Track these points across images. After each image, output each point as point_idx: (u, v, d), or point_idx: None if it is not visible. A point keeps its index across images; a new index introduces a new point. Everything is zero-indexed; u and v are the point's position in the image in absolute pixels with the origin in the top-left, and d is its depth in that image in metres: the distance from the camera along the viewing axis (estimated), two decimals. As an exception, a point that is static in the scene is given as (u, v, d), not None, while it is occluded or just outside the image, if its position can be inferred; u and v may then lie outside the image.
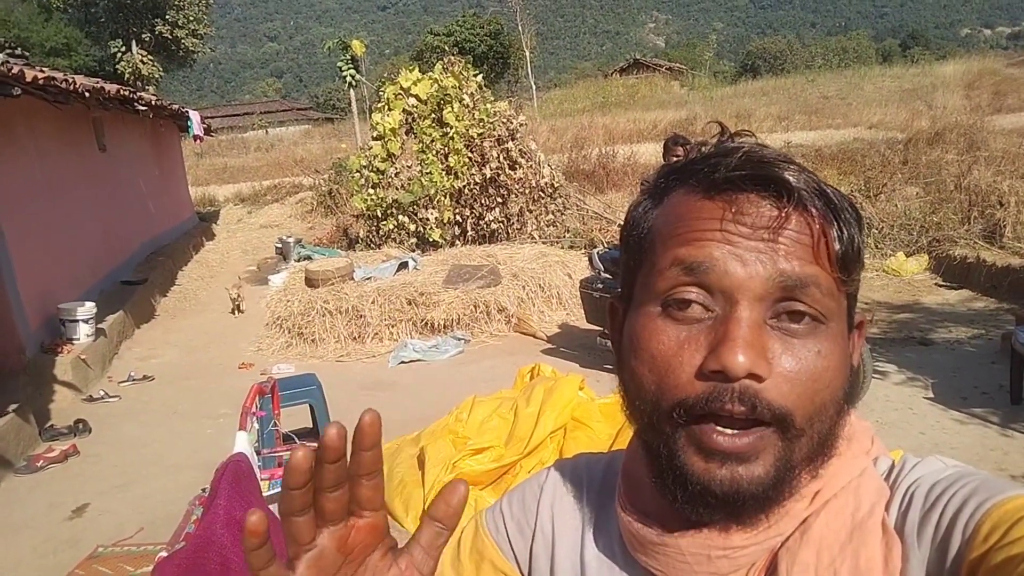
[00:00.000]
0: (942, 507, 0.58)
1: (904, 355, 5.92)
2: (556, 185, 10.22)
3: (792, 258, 0.58)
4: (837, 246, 0.59)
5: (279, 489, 2.37)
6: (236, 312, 8.99)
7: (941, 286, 7.97)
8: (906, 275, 8.26)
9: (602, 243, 8.53)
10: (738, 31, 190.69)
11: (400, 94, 9.78)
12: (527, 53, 31.18)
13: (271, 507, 2.29)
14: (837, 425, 0.62)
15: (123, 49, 33.14)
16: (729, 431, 0.57)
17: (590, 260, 6.19)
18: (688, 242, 0.60)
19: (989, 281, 7.52)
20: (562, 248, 9.35)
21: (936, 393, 5.14)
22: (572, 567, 0.74)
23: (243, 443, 2.22)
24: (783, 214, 0.59)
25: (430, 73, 9.94)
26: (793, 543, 0.61)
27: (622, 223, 0.71)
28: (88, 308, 7.04)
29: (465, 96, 9.73)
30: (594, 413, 4.17)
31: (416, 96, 9.71)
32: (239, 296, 9.14)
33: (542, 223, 10.01)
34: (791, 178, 0.59)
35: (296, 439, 3.18)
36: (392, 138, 9.74)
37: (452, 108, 9.61)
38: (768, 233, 0.58)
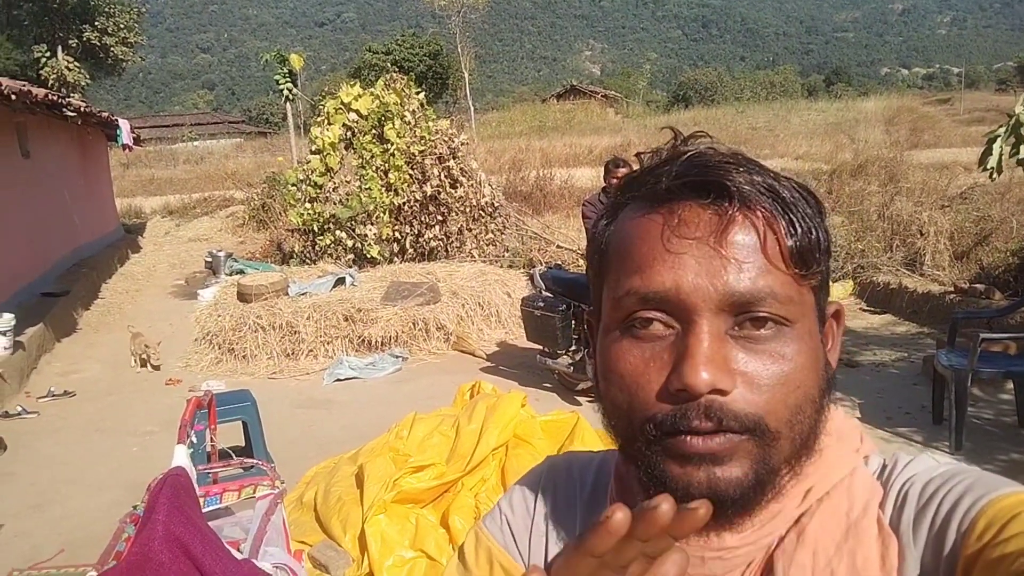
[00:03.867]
0: (937, 504, 0.58)
1: (832, 376, 6.09)
2: (496, 205, 10.26)
3: (743, 271, 0.57)
4: (789, 242, 0.59)
5: (214, 506, 2.27)
6: (149, 367, 7.22)
7: (866, 311, 8.26)
8: (832, 299, 8.55)
9: (541, 263, 8.58)
10: (671, 62, 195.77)
11: (341, 108, 9.69)
12: (466, 75, 31.31)
13: (211, 524, 2.20)
14: (818, 423, 0.61)
15: (47, 54, 31.96)
16: (700, 437, 0.57)
17: (531, 279, 6.21)
18: (639, 268, 0.60)
19: (910, 306, 7.83)
20: (501, 267, 9.36)
21: (863, 413, 5.30)
22: None
23: (182, 457, 2.13)
24: (725, 219, 0.58)
25: (372, 89, 9.89)
26: (789, 544, 0.61)
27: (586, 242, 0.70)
28: (6, 320, 6.71)
29: (407, 113, 9.69)
30: (536, 430, 4.16)
31: (357, 111, 9.63)
32: (146, 352, 7.22)
33: (482, 242, 10.01)
34: (733, 180, 0.59)
35: (233, 455, 3.08)
36: (331, 152, 9.62)
37: (393, 124, 9.56)
38: (713, 239, 0.58)
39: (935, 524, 0.58)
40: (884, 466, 0.66)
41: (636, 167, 0.67)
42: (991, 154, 4.50)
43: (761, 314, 0.58)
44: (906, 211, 9.50)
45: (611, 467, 0.74)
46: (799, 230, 0.59)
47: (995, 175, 4.59)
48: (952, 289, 7.70)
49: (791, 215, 0.60)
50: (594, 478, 0.78)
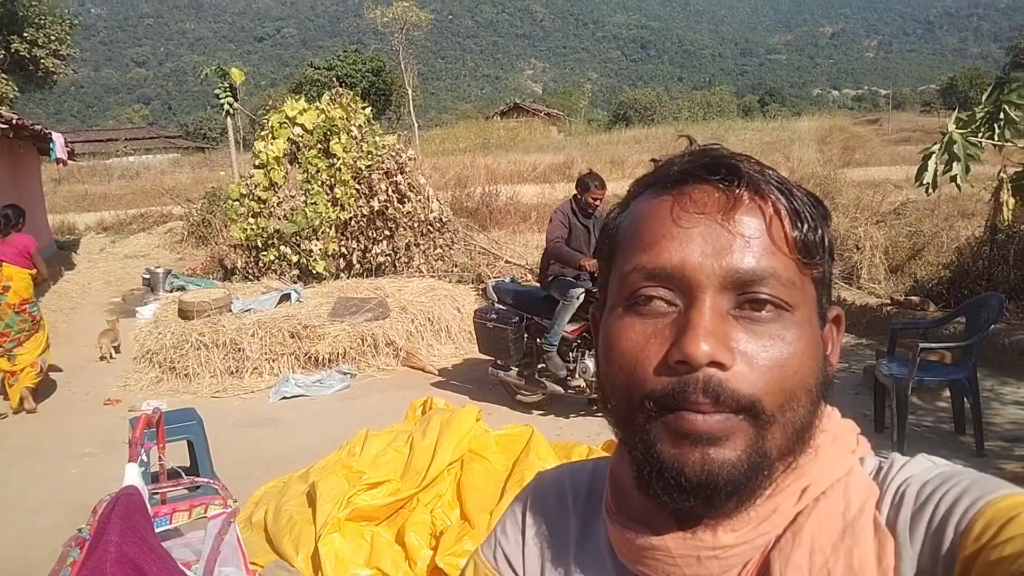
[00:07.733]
0: (934, 504, 0.58)
1: (777, 387, 6.21)
2: (444, 220, 10.21)
3: (748, 250, 0.59)
4: (794, 232, 0.60)
5: (164, 527, 2.18)
6: (109, 359, 7.96)
7: (806, 323, 8.45)
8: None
9: (490, 277, 8.56)
10: (611, 82, 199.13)
11: (285, 123, 9.55)
12: (409, 91, 31.24)
13: (164, 544, 2.12)
14: (813, 416, 0.62)
15: (-28, 65, 30.79)
16: (700, 414, 0.57)
17: (485, 291, 6.19)
18: (647, 246, 0.62)
19: (849, 319, 8.04)
20: (451, 282, 9.32)
21: (809, 422, 5.40)
22: None
23: (134, 475, 2.04)
24: (733, 197, 0.60)
25: (317, 103, 9.77)
26: (785, 544, 0.61)
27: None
28: (-70, 339, 6.39)
29: (353, 128, 9.60)
30: (491, 444, 4.13)
31: (302, 125, 9.50)
32: (111, 344, 8.05)
33: (430, 257, 9.95)
34: (744, 165, 0.62)
35: (183, 474, 2.98)
36: (275, 167, 9.47)
37: (339, 139, 9.46)
38: (721, 216, 0.60)
39: (932, 524, 0.57)
40: (880, 467, 0.66)
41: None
42: (927, 170, 4.67)
43: (762, 296, 0.59)
44: (842, 227, 9.78)
45: (605, 473, 0.74)
46: (804, 223, 0.61)
47: (931, 190, 4.76)
48: (888, 301, 7.95)
49: (797, 208, 0.62)
50: (588, 484, 0.77)
